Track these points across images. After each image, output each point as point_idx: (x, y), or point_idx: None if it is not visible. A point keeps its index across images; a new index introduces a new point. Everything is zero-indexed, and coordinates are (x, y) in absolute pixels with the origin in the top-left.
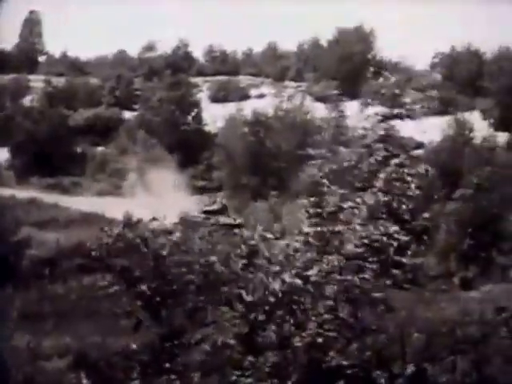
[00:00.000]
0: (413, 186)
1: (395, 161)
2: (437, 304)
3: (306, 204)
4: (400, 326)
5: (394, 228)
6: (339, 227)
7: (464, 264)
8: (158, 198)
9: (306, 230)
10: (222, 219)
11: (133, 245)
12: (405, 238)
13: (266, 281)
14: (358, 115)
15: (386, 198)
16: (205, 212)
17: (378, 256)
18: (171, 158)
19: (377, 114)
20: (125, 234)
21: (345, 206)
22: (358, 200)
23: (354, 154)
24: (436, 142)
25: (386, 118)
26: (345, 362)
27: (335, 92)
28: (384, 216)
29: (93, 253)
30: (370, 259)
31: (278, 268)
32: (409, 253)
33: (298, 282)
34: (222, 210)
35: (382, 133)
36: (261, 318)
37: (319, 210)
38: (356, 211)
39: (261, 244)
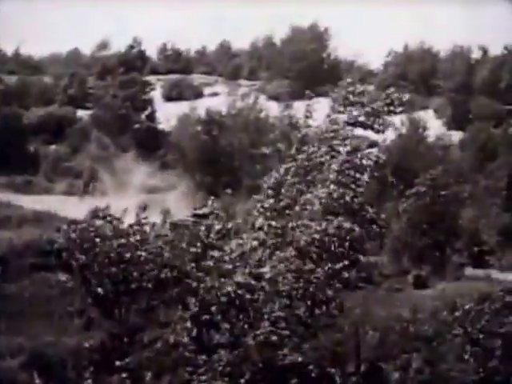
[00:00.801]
0: (365, 177)
1: (348, 157)
2: (391, 302)
3: (260, 200)
4: (355, 324)
5: (346, 224)
6: (292, 223)
7: (418, 262)
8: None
9: (259, 226)
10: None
11: (91, 243)
12: (357, 233)
13: (218, 280)
14: (316, 115)
15: (339, 192)
16: (194, 215)
17: (332, 251)
18: (125, 156)
19: (330, 113)
20: (83, 232)
21: (299, 201)
22: (311, 195)
23: (309, 151)
24: (390, 141)
25: (348, 121)
26: (299, 360)
27: (294, 91)
28: (338, 211)
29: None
30: (324, 255)
31: (231, 266)
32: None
33: (251, 280)
34: (212, 214)
35: (340, 132)
36: (213, 316)
37: (273, 206)
38: (309, 206)
39: (215, 242)
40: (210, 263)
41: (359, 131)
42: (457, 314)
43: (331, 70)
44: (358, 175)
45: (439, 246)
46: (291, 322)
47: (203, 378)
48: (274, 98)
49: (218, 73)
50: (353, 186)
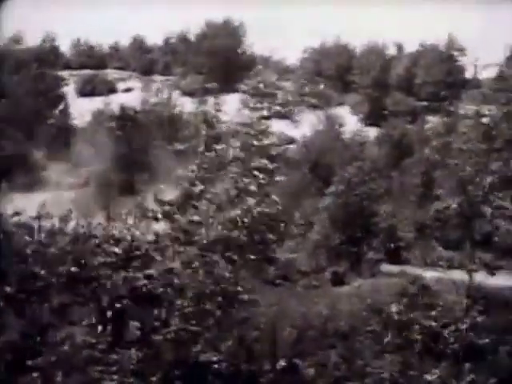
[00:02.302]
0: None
1: (262, 151)
2: (308, 299)
3: (162, 200)
4: (271, 321)
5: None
6: (196, 217)
7: (335, 259)
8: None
9: (162, 223)
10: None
11: None
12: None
13: (127, 276)
14: (235, 112)
15: (248, 187)
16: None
17: (238, 246)
18: (38, 152)
19: (241, 107)
20: None
21: (200, 196)
22: (216, 189)
23: (221, 146)
24: (307, 137)
25: (261, 116)
26: (214, 358)
27: (211, 86)
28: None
29: None
30: (230, 249)
31: (139, 263)
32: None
33: (162, 275)
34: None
35: (254, 126)
36: (123, 314)
37: (180, 202)
38: (216, 200)
39: (129, 237)
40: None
41: (275, 127)
42: (373, 310)
43: (246, 65)
44: (268, 168)
45: (356, 243)
46: (204, 318)
47: (114, 376)
48: (189, 93)
49: (132, 68)
50: (262, 181)
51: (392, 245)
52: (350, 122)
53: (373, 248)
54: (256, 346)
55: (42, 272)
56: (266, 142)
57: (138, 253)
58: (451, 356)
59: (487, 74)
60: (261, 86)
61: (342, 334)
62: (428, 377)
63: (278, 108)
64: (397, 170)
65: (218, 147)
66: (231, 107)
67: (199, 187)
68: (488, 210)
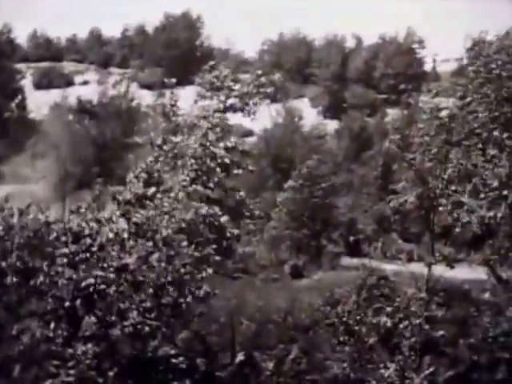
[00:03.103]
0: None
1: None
2: (268, 292)
3: (117, 191)
4: (230, 314)
5: (209, 210)
6: (152, 212)
7: (295, 252)
8: None
9: (121, 217)
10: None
11: None
12: (224, 220)
13: (84, 270)
14: (191, 105)
15: (202, 179)
16: None
17: (196, 239)
18: None
19: (197, 99)
20: None
21: (157, 190)
22: (174, 183)
23: (177, 139)
24: (266, 130)
25: (219, 109)
26: (171, 352)
27: (168, 80)
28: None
29: None
30: (187, 243)
31: (94, 258)
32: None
33: (113, 272)
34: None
35: (210, 119)
36: (80, 309)
37: (129, 197)
38: (172, 194)
39: (86, 231)
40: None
41: (233, 120)
42: (332, 303)
43: (204, 58)
44: (226, 161)
45: (315, 236)
46: (161, 312)
47: (71, 371)
48: (147, 86)
49: (89, 61)
50: (218, 173)
51: (352, 238)
52: (309, 114)
53: (333, 241)
54: (214, 340)
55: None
56: (223, 134)
57: (94, 248)
58: (410, 349)
59: (447, 67)
60: (216, 79)
61: (302, 327)
62: (385, 370)
63: (234, 101)
64: (356, 163)
65: (176, 140)
66: (189, 100)
67: (157, 180)
68: (447, 203)
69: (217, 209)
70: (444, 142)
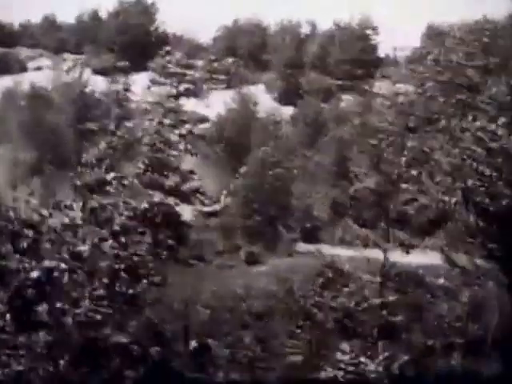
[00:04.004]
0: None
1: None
2: (223, 279)
3: (73, 176)
4: (185, 301)
5: (163, 198)
6: (108, 200)
7: (250, 239)
8: None
9: (75, 204)
10: None
11: None
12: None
13: (36, 258)
14: (144, 90)
15: (158, 166)
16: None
17: (152, 228)
18: None
19: (150, 85)
20: None
21: (111, 177)
22: (128, 170)
23: (136, 127)
24: (221, 116)
25: (172, 95)
26: (124, 340)
27: (120, 65)
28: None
29: None
30: (142, 230)
31: (48, 246)
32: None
33: (67, 261)
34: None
35: (164, 104)
36: (32, 296)
37: (87, 183)
38: (126, 182)
39: (33, 220)
40: (25, 243)
41: (187, 106)
42: (288, 289)
43: (158, 43)
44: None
45: (271, 223)
46: (114, 300)
47: (22, 360)
48: (101, 72)
49: (43, 46)
50: (172, 160)
51: (308, 224)
52: (264, 100)
53: (288, 227)
54: (168, 328)
55: None
56: (176, 120)
57: (47, 236)
58: (365, 334)
59: (403, 53)
60: (169, 64)
61: (257, 313)
62: (341, 355)
63: (188, 86)
64: (312, 150)
65: (129, 125)
66: (142, 86)
67: (110, 167)
68: (403, 189)
69: (171, 198)
70: (401, 127)
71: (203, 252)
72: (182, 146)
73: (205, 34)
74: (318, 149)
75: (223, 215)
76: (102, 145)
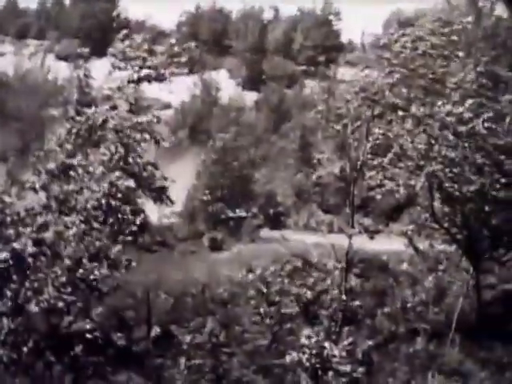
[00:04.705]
0: (146, 136)
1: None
2: (186, 266)
3: (36, 162)
4: (147, 288)
5: (128, 183)
6: (71, 186)
7: (213, 225)
8: None
9: (41, 192)
10: None
11: None
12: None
13: None
14: (105, 76)
15: (120, 153)
16: None
17: (114, 214)
18: None
19: (111, 70)
20: None
21: (74, 163)
22: (91, 157)
23: (98, 114)
24: (184, 103)
25: (133, 80)
26: (87, 327)
27: (81, 50)
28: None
29: None
30: (105, 216)
31: (12, 231)
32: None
33: (31, 246)
34: None
35: (124, 90)
36: None
37: (50, 168)
38: (90, 168)
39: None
40: None
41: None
42: (252, 276)
43: (121, 29)
44: (141, 136)
45: (234, 209)
46: (76, 286)
47: None
48: (63, 58)
49: (5, 32)
50: (136, 147)
51: (271, 210)
52: (227, 86)
53: (252, 213)
54: (130, 314)
55: None
56: (138, 106)
57: (9, 221)
58: (329, 320)
59: (368, 39)
60: (129, 48)
61: (221, 300)
62: (305, 340)
63: (149, 71)
64: (275, 135)
65: (89, 112)
66: (105, 71)
67: (72, 153)
68: (368, 175)
69: (132, 182)
70: (366, 113)
71: (166, 238)
72: (146, 134)
73: (168, 21)
74: (282, 134)
75: (186, 201)
76: (63, 131)
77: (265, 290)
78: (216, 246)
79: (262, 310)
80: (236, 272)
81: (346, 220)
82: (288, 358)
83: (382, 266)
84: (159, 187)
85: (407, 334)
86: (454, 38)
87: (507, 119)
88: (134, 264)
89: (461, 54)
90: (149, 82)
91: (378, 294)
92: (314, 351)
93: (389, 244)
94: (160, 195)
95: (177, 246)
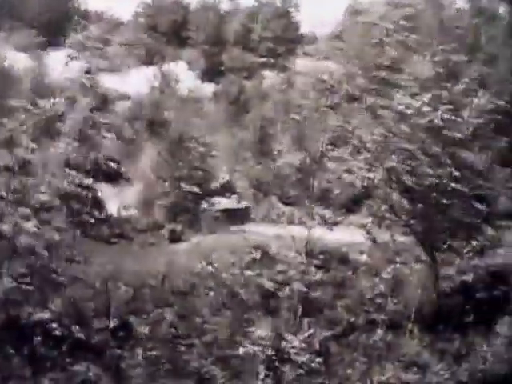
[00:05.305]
0: (107, 134)
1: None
2: (145, 257)
3: None
4: (106, 279)
5: (87, 180)
6: (29, 179)
7: (173, 216)
8: None
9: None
10: None
11: None
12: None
13: None
14: (62, 67)
15: (78, 147)
16: None
17: (72, 206)
18: None
19: (68, 61)
20: None
21: (32, 157)
22: (52, 150)
23: (57, 105)
24: (142, 94)
25: (90, 70)
26: (46, 317)
27: (39, 41)
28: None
29: None
30: (63, 209)
31: None
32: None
33: None
34: None
35: (82, 81)
36: None
37: (6, 163)
38: (48, 162)
39: None
40: None
41: (107, 83)
42: (211, 267)
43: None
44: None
45: (194, 200)
46: (34, 277)
47: None
48: (20, 48)
49: None
50: (96, 140)
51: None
52: (186, 78)
53: (212, 205)
54: (89, 306)
55: None
56: (95, 97)
57: None
58: (289, 311)
59: (325, 30)
60: (86, 39)
61: (180, 291)
62: (261, 332)
63: (106, 62)
64: (235, 127)
65: (46, 103)
66: (62, 62)
67: (30, 146)
68: (327, 166)
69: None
70: (324, 105)
71: (124, 230)
72: (104, 126)
73: (128, 12)
74: (241, 126)
75: (144, 192)
76: (15, 123)
77: (224, 282)
78: (175, 238)
79: (221, 301)
80: (195, 263)
81: (306, 212)
82: (241, 350)
83: (342, 258)
84: (116, 173)
85: (366, 325)
86: (405, 22)
87: (465, 112)
88: (92, 256)
89: (416, 37)
90: (106, 72)
91: (336, 285)
92: (269, 343)
93: (349, 236)
94: (118, 180)
95: (136, 238)
